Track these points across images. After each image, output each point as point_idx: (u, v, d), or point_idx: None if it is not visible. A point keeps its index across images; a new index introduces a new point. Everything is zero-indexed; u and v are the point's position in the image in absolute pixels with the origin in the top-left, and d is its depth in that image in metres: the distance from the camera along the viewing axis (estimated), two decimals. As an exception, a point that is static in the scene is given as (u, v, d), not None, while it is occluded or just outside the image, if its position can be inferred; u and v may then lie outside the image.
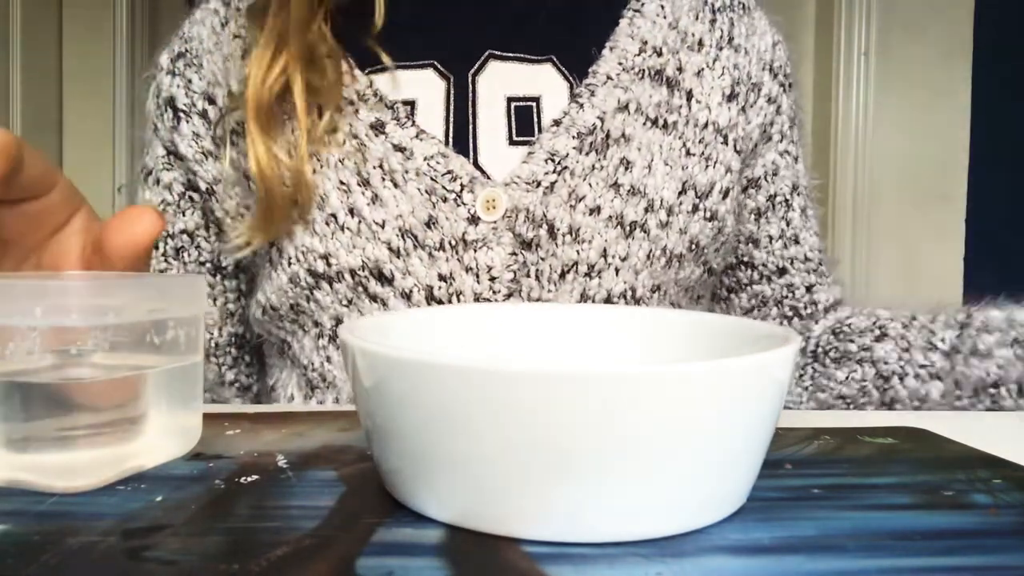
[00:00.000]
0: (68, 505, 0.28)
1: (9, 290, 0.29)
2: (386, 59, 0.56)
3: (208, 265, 0.62)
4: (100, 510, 0.27)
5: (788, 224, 0.66)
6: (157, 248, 0.61)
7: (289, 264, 0.55)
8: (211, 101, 0.59)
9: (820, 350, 0.62)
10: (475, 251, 0.54)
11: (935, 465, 0.34)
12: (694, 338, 0.36)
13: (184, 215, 0.61)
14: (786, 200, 0.66)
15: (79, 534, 0.25)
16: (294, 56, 0.54)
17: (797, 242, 0.66)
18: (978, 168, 1.83)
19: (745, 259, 0.66)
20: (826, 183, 1.76)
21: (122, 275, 0.37)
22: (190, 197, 0.61)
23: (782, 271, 0.66)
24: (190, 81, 0.60)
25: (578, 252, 0.54)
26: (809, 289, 0.67)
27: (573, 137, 0.55)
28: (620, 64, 0.57)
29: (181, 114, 0.60)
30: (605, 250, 0.55)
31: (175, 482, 0.31)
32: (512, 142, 0.56)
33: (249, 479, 0.31)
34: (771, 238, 0.66)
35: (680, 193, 0.57)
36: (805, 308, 0.67)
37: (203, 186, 0.59)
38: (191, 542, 0.25)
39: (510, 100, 0.57)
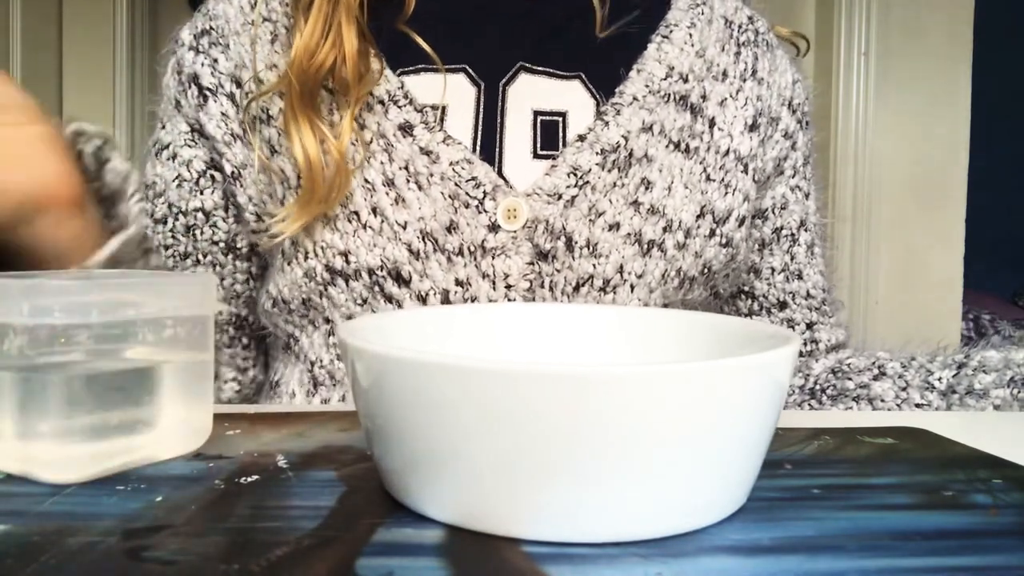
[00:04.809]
0: (68, 505, 0.28)
1: (37, 287, 0.30)
2: (420, 41, 0.56)
3: (221, 245, 0.61)
4: (100, 510, 0.27)
5: (792, 259, 0.67)
6: (166, 223, 0.61)
7: (306, 258, 0.55)
8: (238, 84, 0.58)
9: (818, 387, 0.63)
10: (493, 258, 0.54)
11: (935, 465, 0.34)
12: (694, 338, 0.36)
13: (202, 193, 0.60)
14: (792, 235, 0.67)
15: (79, 534, 0.25)
16: (345, 27, 0.53)
17: (800, 277, 0.67)
18: (978, 168, 1.83)
19: (746, 288, 0.67)
20: (826, 183, 1.76)
21: (136, 273, 0.38)
22: (211, 176, 0.60)
23: (783, 304, 0.67)
24: (216, 61, 0.59)
25: (594, 266, 0.55)
26: (810, 326, 0.67)
27: (596, 153, 0.56)
28: (647, 86, 0.58)
29: (208, 93, 0.59)
30: (622, 266, 0.55)
31: (175, 482, 0.31)
32: (536, 155, 0.56)
33: (249, 479, 0.31)
34: (773, 270, 0.66)
35: (698, 217, 0.58)
36: (805, 345, 0.67)
37: (229, 169, 0.59)
38: (191, 542, 0.25)
39: (537, 113, 0.57)
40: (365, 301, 0.55)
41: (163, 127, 0.62)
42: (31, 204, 0.43)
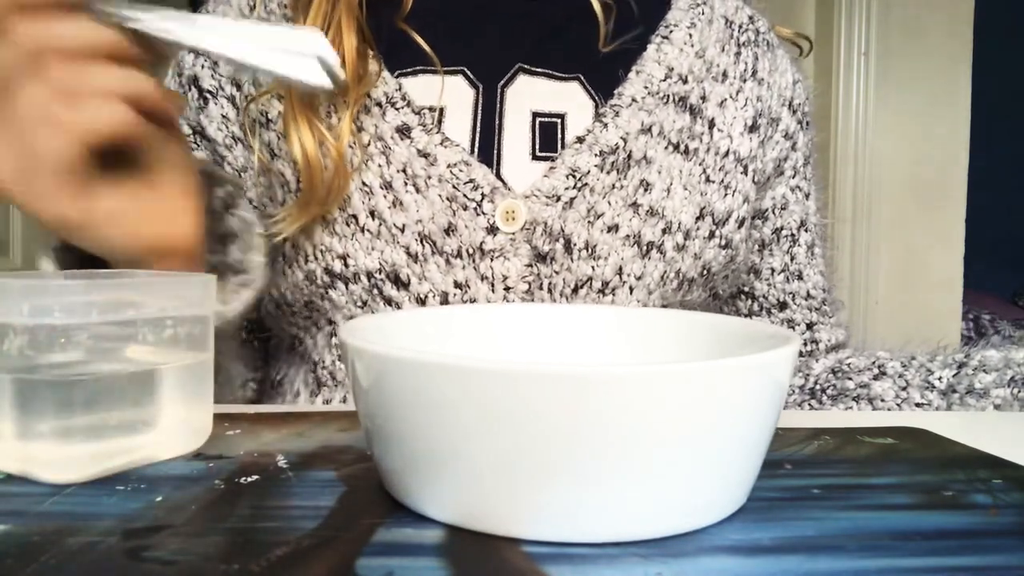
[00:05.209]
0: (68, 505, 0.28)
1: (40, 287, 0.30)
2: (419, 39, 0.56)
3: None
4: (100, 510, 0.27)
5: (792, 259, 0.67)
6: None
7: (306, 262, 0.55)
8: (238, 87, 0.59)
9: (818, 387, 0.63)
10: (492, 260, 0.54)
11: (935, 465, 0.34)
12: (694, 338, 0.36)
13: None
14: (792, 235, 0.66)
15: (79, 534, 0.25)
16: (344, 27, 0.53)
17: (800, 278, 0.67)
18: (978, 168, 1.83)
19: (746, 289, 0.67)
20: (826, 183, 1.76)
21: (136, 273, 0.38)
22: None
23: (783, 305, 0.67)
24: (216, 63, 0.59)
25: (593, 268, 0.55)
26: (810, 326, 0.67)
27: (595, 155, 0.55)
28: (646, 88, 0.58)
29: (208, 95, 0.59)
30: (621, 268, 0.55)
31: (175, 482, 0.31)
32: (535, 157, 0.56)
33: (249, 479, 0.31)
34: (773, 270, 0.66)
35: (698, 218, 0.58)
36: (805, 346, 0.67)
37: (230, 172, 0.59)
38: (191, 542, 0.25)
39: (536, 115, 0.57)
40: (365, 303, 0.55)
41: None
42: (153, 253, 0.44)
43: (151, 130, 0.42)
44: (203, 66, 0.59)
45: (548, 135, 0.57)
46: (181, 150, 0.45)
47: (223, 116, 0.59)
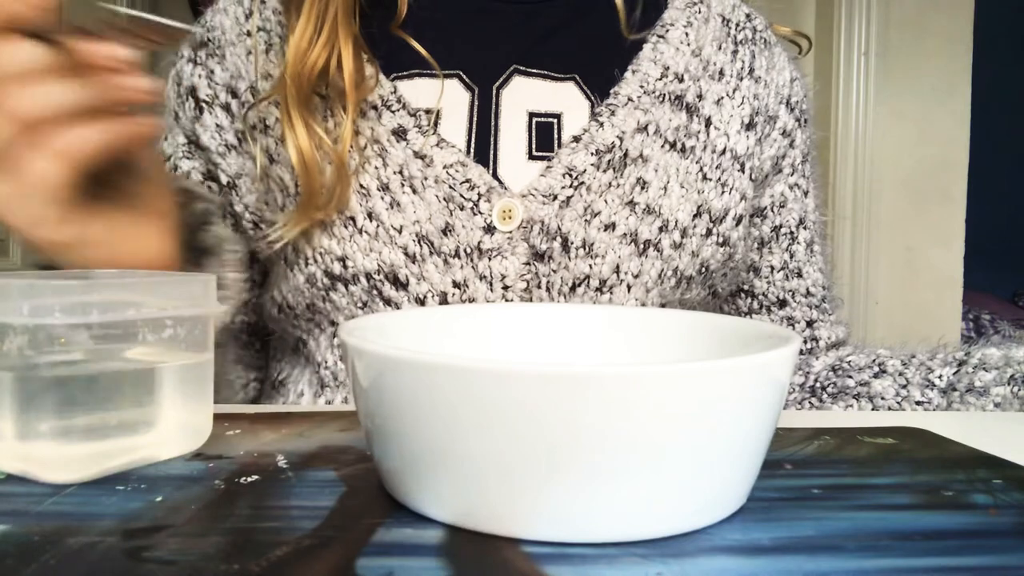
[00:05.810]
0: (68, 505, 0.28)
1: (44, 288, 0.30)
2: (416, 45, 0.56)
3: None
4: (100, 510, 0.27)
5: (791, 256, 0.66)
6: None
7: (306, 264, 0.56)
8: (234, 94, 0.59)
9: (818, 385, 0.63)
10: (489, 260, 0.54)
11: (935, 465, 0.34)
12: (694, 338, 0.36)
13: None
14: (791, 233, 0.66)
15: (79, 534, 0.25)
16: (340, 30, 0.54)
17: (800, 275, 0.67)
18: (978, 168, 1.83)
19: (746, 287, 0.67)
20: (826, 183, 1.76)
21: (136, 273, 0.38)
22: (209, 187, 0.61)
23: (782, 303, 0.67)
24: (212, 72, 0.59)
25: (590, 266, 0.55)
26: (810, 324, 0.67)
27: (591, 154, 0.55)
28: (641, 87, 0.58)
29: (204, 105, 0.59)
30: (618, 266, 0.55)
31: (175, 482, 0.31)
32: (532, 156, 0.56)
33: (249, 479, 0.31)
34: (772, 268, 0.66)
35: (695, 216, 0.58)
36: (805, 343, 0.67)
37: (224, 179, 0.59)
38: (191, 542, 0.25)
39: (532, 115, 0.57)
40: (365, 304, 0.55)
41: (165, 138, 0.63)
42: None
43: (126, 149, 0.42)
44: (200, 76, 0.60)
45: (544, 135, 0.57)
46: (155, 170, 0.46)
47: (217, 125, 0.59)
